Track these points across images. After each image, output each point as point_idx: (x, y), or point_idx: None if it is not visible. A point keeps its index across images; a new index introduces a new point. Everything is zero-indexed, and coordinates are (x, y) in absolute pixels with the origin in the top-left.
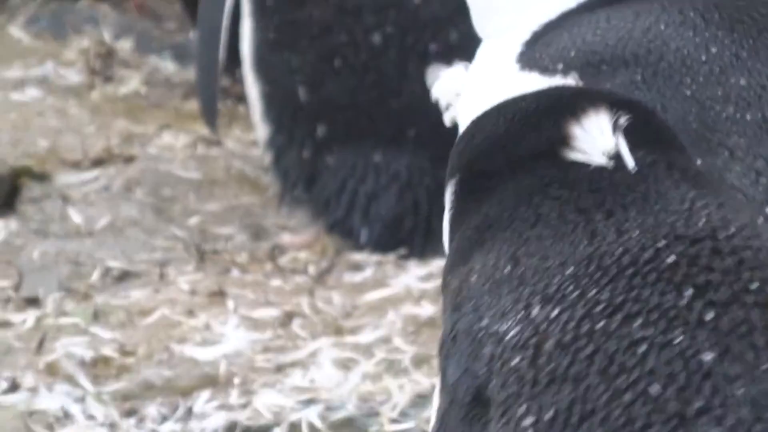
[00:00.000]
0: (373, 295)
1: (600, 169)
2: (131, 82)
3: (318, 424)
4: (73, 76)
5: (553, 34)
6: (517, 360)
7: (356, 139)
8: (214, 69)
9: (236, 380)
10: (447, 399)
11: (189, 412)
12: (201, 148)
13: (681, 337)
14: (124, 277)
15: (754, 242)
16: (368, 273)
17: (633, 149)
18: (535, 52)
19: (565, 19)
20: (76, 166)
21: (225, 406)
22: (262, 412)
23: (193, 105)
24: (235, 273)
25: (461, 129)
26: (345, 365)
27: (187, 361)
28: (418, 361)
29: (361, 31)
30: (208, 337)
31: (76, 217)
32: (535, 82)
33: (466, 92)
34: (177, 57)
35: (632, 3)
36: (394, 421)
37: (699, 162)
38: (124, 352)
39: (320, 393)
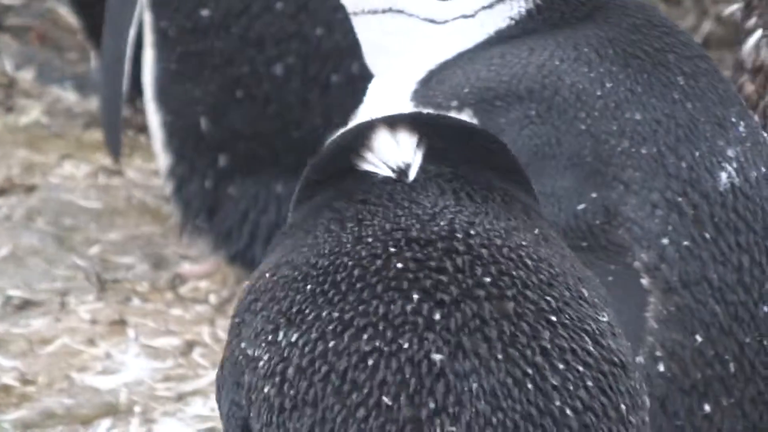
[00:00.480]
0: None
1: (382, 181)
2: (32, 112)
3: None
4: None
5: (448, 71)
6: (267, 388)
7: (258, 170)
8: (117, 99)
9: (137, 409)
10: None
11: None
12: (102, 178)
13: (408, 343)
14: (24, 306)
15: (496, 241)
16: None
17: (430, 164)
18: (428, 90)
19: (461, 57)
20: None
21: None
22: None
23: (95, 135)
24: (135, 302)
25: None
26: None
27: (87, 389)
28: None
29: (263, 62)
30: (109, 366)
31: None
32: None
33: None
34: (78, 87)
35: (527, 39)
36: None
37: (585, 206)
38: (25, 380)
39: (221, 422)
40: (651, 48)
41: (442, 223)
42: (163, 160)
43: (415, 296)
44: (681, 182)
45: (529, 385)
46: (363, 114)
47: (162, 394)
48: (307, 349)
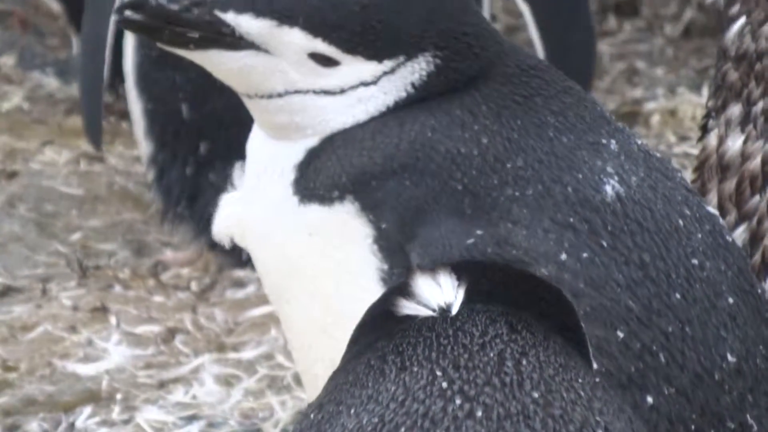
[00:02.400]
0: (256, 312)
1: (423, 318)
2: (14, 98)
3: None
4: None
5: (325, 157)
6: None
7: (239, 157)
8: (97, 85)
9: (118, 396)
10: None
11: (71, 428)
12: (84, 164)
13: None
14: (6, 292)
15: (549, 370)
16: (250, 289)
17: (476, 302)
18: (309, 182)
19: (344, 134)
20: None
21: (107, 422)
22: (144, 428)
23: (76, 121)
24: (117, 289)
25: (256, 261)
26: (227, 381)
27: (69, 376)
28: (300, 378)
29: None
30: (91, 353)
31: None
32: (317, 214)
33: (251, 227)
34: (60, 73)
35: (399, 112)
36: None
37: (476, 245)
38: (7, 367)
39: (202, 409)
40: (520, 97)
41: (491, 354)
42: (144, 147)
43: (479, 414)
44: (570, 205)
45: None
46: (250, 208)
47: (143, 381)
48: None
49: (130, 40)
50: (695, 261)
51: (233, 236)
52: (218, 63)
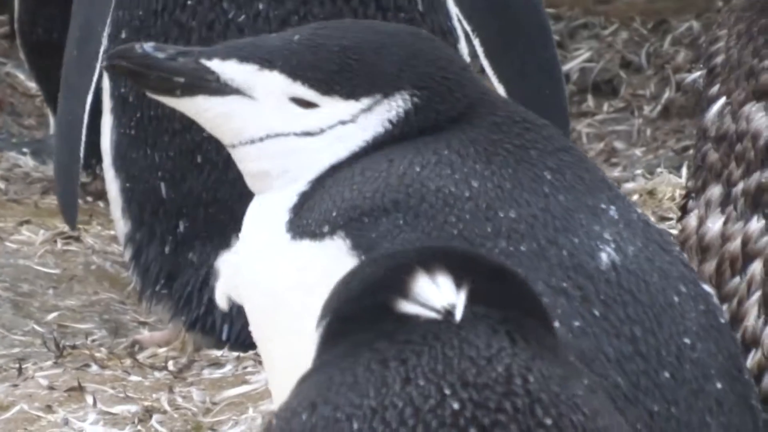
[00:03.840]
0: (233, 392)
1: (426, 323)
2: None
3: None
4: None
5: (317, 196)
6: None
7: (218, 235)
8: (73, 164)
9: None
10: None
11: None
12: (60, 244)
13: None
14: None
15: (555, 388)
16: (228, 369)
17: (472, 305)
18: (302, 219)
19: (333, 173)
20: None
21: None
22: None
23: (53, 200)
24: (94, 368)
25: (245, 303)
26: None
27: None
28: None
29: None
30: None
31: None
32: (308, 250)
33: (243, 269)
34: (36, 153)
35: (387, 150)
36: None
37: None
38: None
39: None
40: (511, 145)
41: (498, 368)
42: (121, 226)
43: None
44: (564, 269)
45: None
46: (246, 252)
47: None
48: None
49: (107, 120)
50: (687, 340)
51: (231, 293)
52: (204, 109)
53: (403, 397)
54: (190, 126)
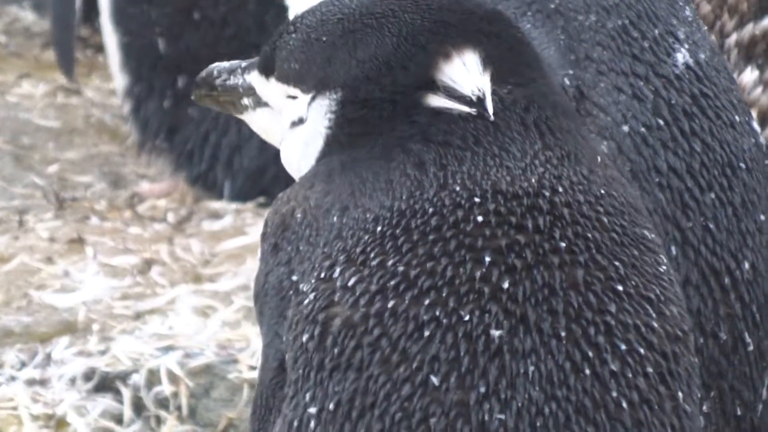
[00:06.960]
0: (232, 243)
1: (459, 118)
2: None
3: (177, 370)
4: None
5: None
6: (306, 337)
7: None
8: (70, 18)
9: (95, 327)
10: (262, 359)
11: (48, 359)
12: (60, 97)
13: (470, 315)
14: None
15: (579, 197)
16: (227, 221)
17: (497, 85)
18: None
19: None
20: None
21: (84, 353)
22: (120, 359)
23: (53, 55)
24: (94, 221)
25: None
26: (204, 312)
27: (45, 307)
28: None
29: None
30: (67, 284)
31: None
32: None
33: None
34: (36, 6)
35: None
36: (252, 368)
37: (566, 81)
38: None
39: (179, 340)
40: None
41: (533, 177)
42: (120, 80)
43: (487, 259)
44: (645, 65)
45: (587, 371)
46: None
47: (120, 312)
48: (362, 301)
49: None
50: (742, 165)
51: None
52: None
53: (435, 202)
54: None
